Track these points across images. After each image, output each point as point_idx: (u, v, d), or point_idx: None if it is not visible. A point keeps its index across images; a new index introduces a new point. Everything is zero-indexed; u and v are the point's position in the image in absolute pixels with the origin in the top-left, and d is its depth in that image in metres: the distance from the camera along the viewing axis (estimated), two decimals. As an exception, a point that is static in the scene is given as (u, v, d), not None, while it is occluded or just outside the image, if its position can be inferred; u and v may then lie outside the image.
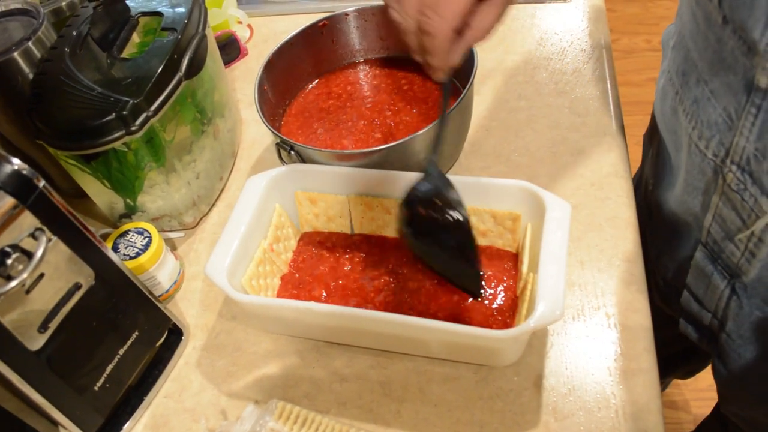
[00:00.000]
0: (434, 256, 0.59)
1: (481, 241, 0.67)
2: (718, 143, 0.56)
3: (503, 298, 0.62)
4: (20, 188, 0.46)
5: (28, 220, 0.47)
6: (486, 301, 0.62)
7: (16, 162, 0.46)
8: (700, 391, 1.44)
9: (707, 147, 0.58)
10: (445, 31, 0.48)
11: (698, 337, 0.72)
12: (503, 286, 0.63)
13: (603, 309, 0.63)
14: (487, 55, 0.92)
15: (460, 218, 0.56)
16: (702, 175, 0.61)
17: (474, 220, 0.65)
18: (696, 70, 0.59)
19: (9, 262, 0.45)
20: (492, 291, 0.63)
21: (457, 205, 0.56)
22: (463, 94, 0.67)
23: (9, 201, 0.45)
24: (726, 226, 0.60)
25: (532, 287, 0.57)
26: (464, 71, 0.72)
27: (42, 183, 0.47)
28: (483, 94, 0.87)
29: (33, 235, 0.47)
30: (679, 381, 1.45)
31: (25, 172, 0.47)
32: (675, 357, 1.05)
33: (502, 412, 0.58)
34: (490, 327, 0.60)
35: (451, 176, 0.69)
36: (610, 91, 0.84)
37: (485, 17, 0.49)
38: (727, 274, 0.63)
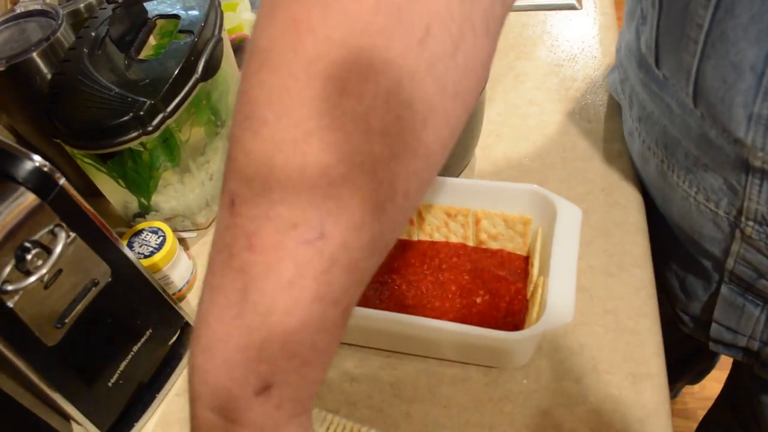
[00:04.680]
0: None
1: (492, 245, 0.67)
2: (728, 204, 0.56)
3: (514, 301, 0.63)
4: (41, 185, 0.47)
5: (47, 217, 0.47)
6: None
7: (37, 159, 0.47)
8: (710, 400, 1.44)
9: (717, 207, 0.58)
10: None
11: (733, 353, 0.71)
12: (513, 289, 0.64)
13: (612, 313, 0.64)
14: (498, 61, 0.93)
15: None
16: (716, 227, 0.60)
17: (485, 224, 0.66)
18: (681, 145, 0.58)
19: (29, 257, 0.46)
20: (503, 293, 0.64)
21: None
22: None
23: (30, 197, 0.46)
24: (753, 266, 0.59)
25: (542, 290, 0.57)
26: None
27: (62, 180, 0.48)
28: (494, 99, 0.87)
29: (52, 232, 0.48)
30: (690, 389, 1.45)
31: (45, 168, 0.47)
32: (682, 360, 1.05)
33: (511, 414, 0.58)
34: (501, 329, 0.61)
35: (461, 180, 0.69)
36: (620, 98, 0.84)
37: None
38: (761, 301, 0.62)
